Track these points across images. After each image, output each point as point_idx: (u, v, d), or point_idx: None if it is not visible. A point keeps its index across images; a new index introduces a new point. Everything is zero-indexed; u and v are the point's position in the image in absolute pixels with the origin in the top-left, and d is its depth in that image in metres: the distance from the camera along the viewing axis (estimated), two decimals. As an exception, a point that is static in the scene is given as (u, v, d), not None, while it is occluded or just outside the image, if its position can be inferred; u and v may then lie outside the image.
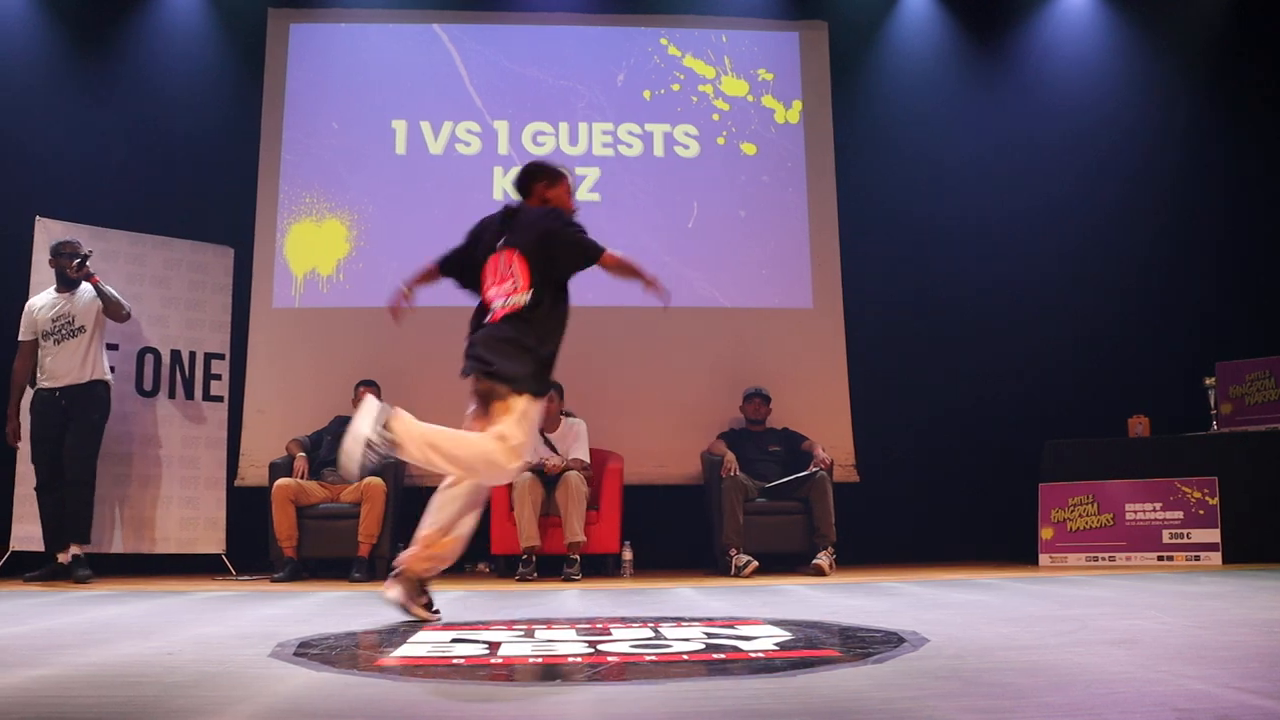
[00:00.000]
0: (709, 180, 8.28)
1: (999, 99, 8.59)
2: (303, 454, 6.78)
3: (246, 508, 7.14)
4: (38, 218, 6.73)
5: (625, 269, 3.77)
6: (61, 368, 6.17)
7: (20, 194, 7.34)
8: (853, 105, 8.59)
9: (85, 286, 6.28)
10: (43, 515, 6.20)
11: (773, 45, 8.57)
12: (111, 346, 6.80)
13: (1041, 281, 8.22)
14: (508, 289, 3.62)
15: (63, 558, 6.07)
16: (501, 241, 3.70)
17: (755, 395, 7.29)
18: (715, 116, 8.39)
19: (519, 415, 3.46)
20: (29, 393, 6.28)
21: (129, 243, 7.07)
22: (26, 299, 6.45)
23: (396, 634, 3.17)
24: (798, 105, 8.46)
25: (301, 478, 6.65)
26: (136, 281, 7.00)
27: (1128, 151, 8.38)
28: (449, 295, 4.06)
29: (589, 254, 3.71)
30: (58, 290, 6.32)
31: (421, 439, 3.36)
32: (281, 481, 6.55)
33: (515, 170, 7.98)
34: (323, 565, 6.68)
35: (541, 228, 3.69)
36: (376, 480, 6.53)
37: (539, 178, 3.93)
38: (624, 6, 8.55)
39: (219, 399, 7.23)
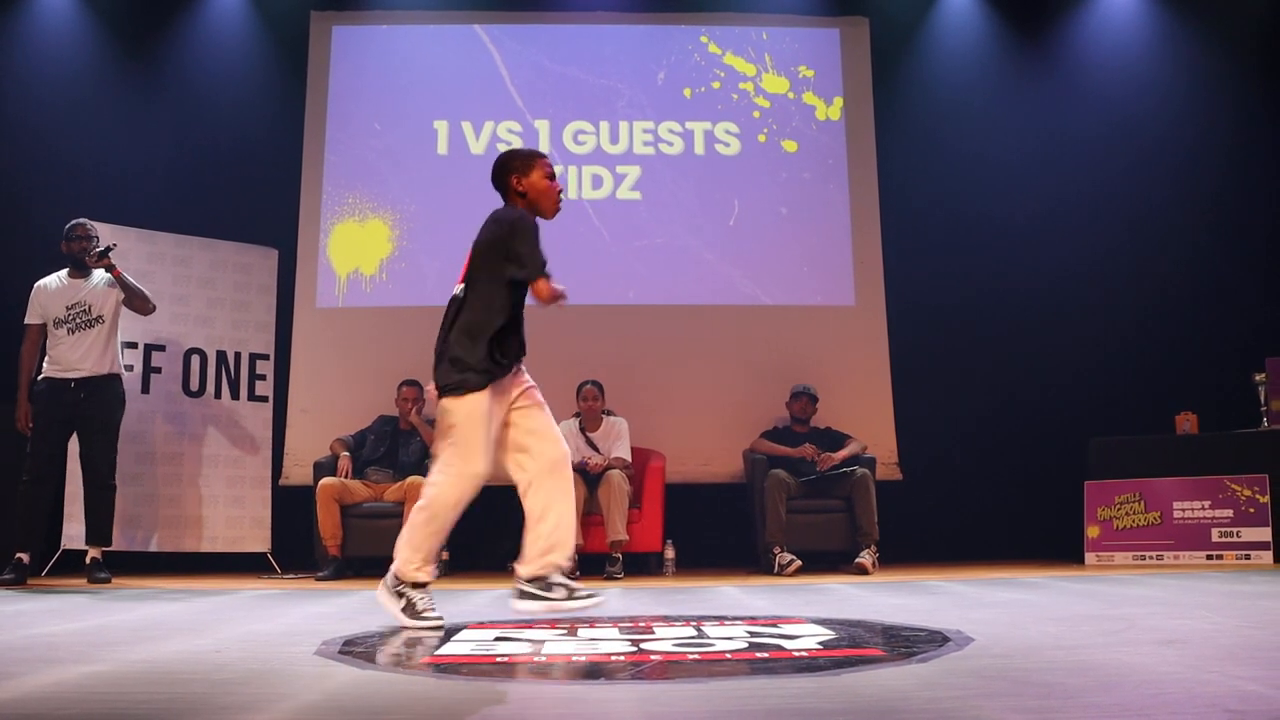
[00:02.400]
0: (750, 178, 8.25)
1: (1042, 93, 8.49)
2: (347, 453, 6.82)
3: (291, 507, 7.20)
4: (86, 220, 6.81)
5: (554, 299, 3.34)
6: (78, 358, 5.79)
7: (68, 197, 7.42)
8: (894, 101, 8.53)
9: (99, 273, 5.94)
10: (30, 510, 5.69)
11: (813, 42, 8.53)
12: (158, 347, 6.90)
13: (1086, 277, 8.12)
14: (458, 280, 3.54)
15: (21, 556, 5.62)
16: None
17: (803, 394, 7.20)
18: (756, 114, 8.36)
19: (443, 428, 3.38)
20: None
21: (175, 245, 7.14)
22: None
23: (440, 632, 3.18)
24: (839, 102, 8.41)
25: (345, 477, 6.68)
26: (183, 283, 7.09)
27: (1174, 145, 8.23)
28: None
29: (524, 271, 3.37)
30: (70, 275, 5.97)
31: (407, 538, 3.38)
32: (326, 481, 6.60)
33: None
34: (366, 564, 6.72)
35: (491, 226, 3.48)
36: (420, 479, 6.56)
37: (510, 170, 3.57)
38: (664, 5, 8.55)
39: (264, 399, 7.30)
